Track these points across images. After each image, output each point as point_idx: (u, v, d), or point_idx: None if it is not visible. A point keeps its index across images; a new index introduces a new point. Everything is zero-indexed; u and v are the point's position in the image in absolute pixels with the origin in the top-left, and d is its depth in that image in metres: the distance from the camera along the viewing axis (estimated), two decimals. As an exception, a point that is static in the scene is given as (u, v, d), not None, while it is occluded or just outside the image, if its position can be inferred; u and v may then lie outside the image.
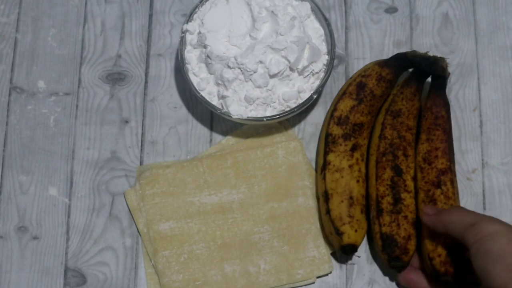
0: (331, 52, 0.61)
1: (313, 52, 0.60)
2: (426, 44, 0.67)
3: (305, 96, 0.61)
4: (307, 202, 0.62)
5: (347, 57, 0.67)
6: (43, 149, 0.64)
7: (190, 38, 0.62)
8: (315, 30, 0.63)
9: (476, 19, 0.68)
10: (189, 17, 0.62)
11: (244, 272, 0.60)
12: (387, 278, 0.61)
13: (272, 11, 0.60)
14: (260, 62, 0.59)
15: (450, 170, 0.57)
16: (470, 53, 0.67)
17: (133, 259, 0.62)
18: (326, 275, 0.61)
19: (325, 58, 0.62)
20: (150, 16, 0.68)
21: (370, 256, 0.62)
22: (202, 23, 0.61)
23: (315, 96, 0.60)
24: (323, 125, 0.61)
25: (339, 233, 0.57)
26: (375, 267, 0.62)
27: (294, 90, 0.61)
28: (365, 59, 0.66)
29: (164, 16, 0.68)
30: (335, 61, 0.65)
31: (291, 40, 0.59)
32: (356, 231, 0.57)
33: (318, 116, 0.65)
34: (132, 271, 0.61)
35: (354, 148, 0.59)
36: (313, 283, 0.61)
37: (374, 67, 0.59)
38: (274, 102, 0.60)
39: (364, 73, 0.60)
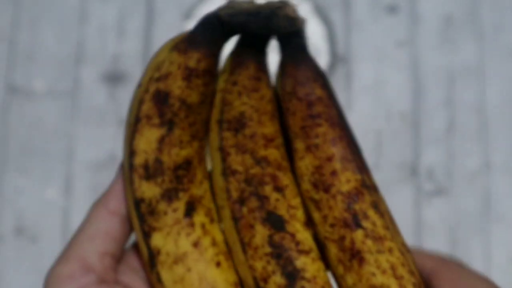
0: (332, 52, 0.61)
1: (314, 53, 0.60)
2: (429, 44, 0.67)
3: (306, 96, 0.60)
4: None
5: (348, 57, 0.66)
6: (41, 150, 0.64)
7: (189, 37, 0.62)
8: (315, 30, 0.62)
9: (480, 19, 0.68)
10: (188, 17, 0.62)
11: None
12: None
13: (273, 11, 0.60)
14: (261, 62, 0.59)
15: (364, 187, 0.31)
16: (474, 53, 0.67)
17: (131, 262, 0.61)
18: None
19: (326, 59, 0.61)
20: (149, 15, 0.68)
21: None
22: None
23: (316, 96, 0.60)
24: (125, 184, 0.32)
25: None
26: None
27: (295, 91, 0.60)
28: (366, 59, 0.66)
29: (163, 16, 0.68)
30: (336, 61, 0.65)
31: (292, 39, 0.59)
32: None
33: (319, 116, 0.65)
34: (131, 274, 0.61)
35: (190, 209, 0.32)
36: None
37: (173, 57, 0.31)
38: (275, 103, 0.60)
39: (158, 73, 0.31)
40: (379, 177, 0.63)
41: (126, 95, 0.65)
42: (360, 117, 0.65)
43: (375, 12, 0.68)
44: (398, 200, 0.63)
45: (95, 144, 0.64)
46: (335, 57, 0.61)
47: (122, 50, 0.67)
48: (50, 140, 0.64)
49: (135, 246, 0.33)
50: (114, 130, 0.64)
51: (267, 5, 0.30)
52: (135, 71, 0.66)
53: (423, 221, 0.62)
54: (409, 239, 0.62)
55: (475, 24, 0.67)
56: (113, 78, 0.66)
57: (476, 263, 0.62)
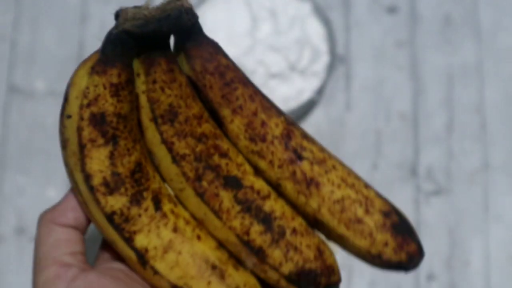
0: (332, 52, 0.61)
1: (313, 52, 0.60)
2: (428, 44, 0.67)
3: (306, 96, 0.60)
4: (308, 203, 0.61)
5: (348, 57, 0.66)
6: (42, 150, 0.64)
7: (189, 38, 0.62)
8: (315, 30, 0.62)
9: (479, 19, 0.68)
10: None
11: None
12: (388, 280, 0.61)
13: (272, 11, 0.60)
14: (260, 62, 0.59)
15: (289, 124, 0.36)
16: (473, 53, 0.67)
17: (132, 261, 0.61)
18: (327, 277, 0.61)
19: (325, 58, 0.61)
20: (150, 16, 0.68)
21: (371, 257, 0.62)
22: (202, 23, 0.61)
23: (315, 96, 0.60)
24: (87, 207, 0.35)
25: None
26: (376, 268, 0.61)
27: (294, 91, 0.60)
28: (366, 59, 0.66)
29: (163, 16, 0.68)
30: (336, 61, 0.65)
31: (291, 40, 0.59)
32: None
33: (318, 117, 0.65)
34: (131, 273, 0.61)
35: (157, 202, 0.35)
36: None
37: (95, 80, 0.34)
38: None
39: (86, 99, 0.34)
40: (378, 176, 0.63)
41: (126, 95, 0.66)
42: (359, 117, 0.65)
43: (374, 12, 0.68)
44: (397, 200, 0.63)
45: (96, 144, 0.64)
46: (335, 57, 0.61)
47: (123, 50, 0.67)
48: (50, 140, 0.64)
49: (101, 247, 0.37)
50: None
51: (170, 6, 0.33)
52: (136, 71, 0.66)
53: (422, 221, 0.62)
54: (409, 238, 0.62)
55: (474, 24, 0.68)
56: (114, 78, 0.66)
57: (475, 263, 0.62)
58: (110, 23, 0.67)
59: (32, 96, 0.65)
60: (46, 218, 0.35)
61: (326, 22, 0.62)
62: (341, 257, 0.62)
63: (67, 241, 0.35)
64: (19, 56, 0.67)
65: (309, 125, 0.65)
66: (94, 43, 0.67)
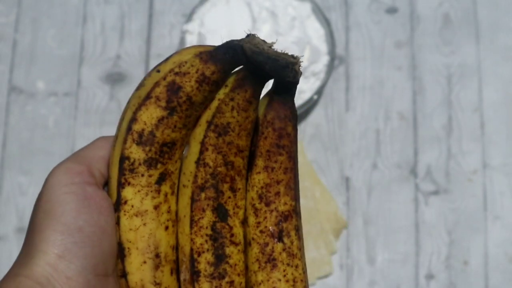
0: (332, 52, 0.61)
1: (314, 53, 0.60)
2: (427, 44, 0.67)
3: (306, 96, 0.61)
4: (307, 203, 0.61)
5: (348, 57, 0.67)
6: (43, 150, 0.64)
7: (190, 38, 0.62)
8: (315, 30, 0.62)
9: (477, 20, 0.68)
10: (189, 17, 0.62)
11: (244, 274, 0.60)
12: (387, 279, 0.61)
13: (272, 12, 0.60)
14: (260, 62, 0.59)
15: (294, 212, 0.41)
16: (472, 53, 0.67)
17: (132, 260, 0.61)
18: (326, 276, 0.61)
19: (325, 59, 0.62)
20: (150, 16, 0.68)
21: (370, 257, 0.62)
22: (202, 23, 0.61)
23: (315, 96, 0.60)
24: (116, 140, 0.41)
25: None
26: (375, 268, 0.61)
27: (295, 91, 0.60)
28: (365, 60, 0.66)
29: (163, 16, 0.68)
30: (336, 62, 0.65)
31: (291, 40, 0.59)
32: None
33: (318, 117, 0.65)
34: (132, 273, 0.61)
35: (161, 179, 0.41)
36: (314, 284, 0.61)
37: (195, 62, 0.39)
38: (275, 103, 0.60)
39: (179, 69, 0.39)
40: (377, 176, 0.64)
41: (127, 95, 0.66)
42: (359, 117, 0.65)
43: (374, 13, 0.68)
44: (396, 199, 0.63)
45: (96, 144, 0.64)
46: (335, 57, 0.61)
47: (123, 51, 0.67)
48: (52, 140, 0.65)
49: None
50: (115, 130, 0.65)
51: (284, 56, 0.38)
52: (136, 72, 0.66)
53: (421, 221, 0.63)
54: (408, 238, 0.62)
55: (472, 24, 0.68)
56: (114, 78, 0.66)
57: (474, 262, 0.62)
58: (110, 24, 0.68)
59: (33, 96, 0.66)
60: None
61: (326, 22, 0.62)
62: (340, 257, 0.62)
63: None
64: (20, 56, 0.67)
65: (309, 125, 0.65)
66: (95, 44, 0.67)
